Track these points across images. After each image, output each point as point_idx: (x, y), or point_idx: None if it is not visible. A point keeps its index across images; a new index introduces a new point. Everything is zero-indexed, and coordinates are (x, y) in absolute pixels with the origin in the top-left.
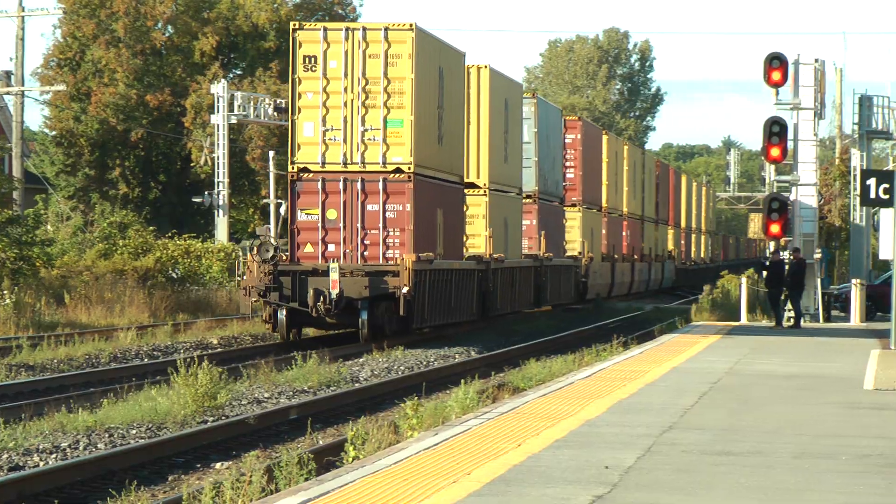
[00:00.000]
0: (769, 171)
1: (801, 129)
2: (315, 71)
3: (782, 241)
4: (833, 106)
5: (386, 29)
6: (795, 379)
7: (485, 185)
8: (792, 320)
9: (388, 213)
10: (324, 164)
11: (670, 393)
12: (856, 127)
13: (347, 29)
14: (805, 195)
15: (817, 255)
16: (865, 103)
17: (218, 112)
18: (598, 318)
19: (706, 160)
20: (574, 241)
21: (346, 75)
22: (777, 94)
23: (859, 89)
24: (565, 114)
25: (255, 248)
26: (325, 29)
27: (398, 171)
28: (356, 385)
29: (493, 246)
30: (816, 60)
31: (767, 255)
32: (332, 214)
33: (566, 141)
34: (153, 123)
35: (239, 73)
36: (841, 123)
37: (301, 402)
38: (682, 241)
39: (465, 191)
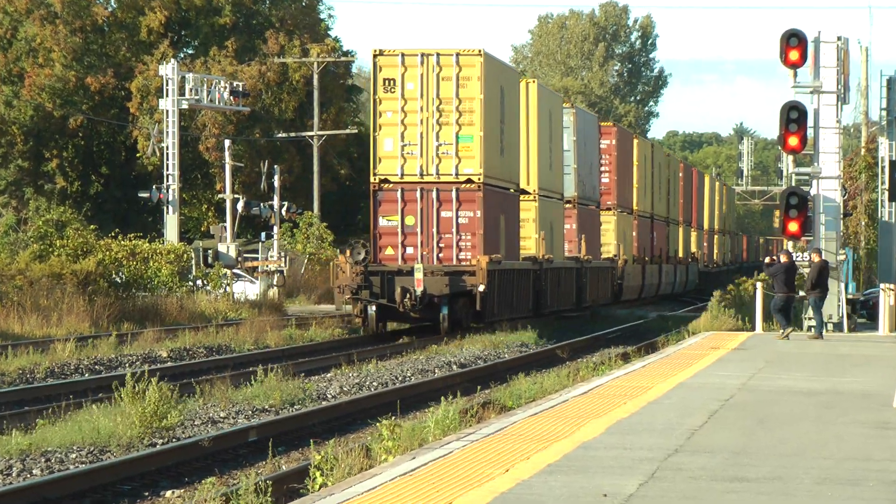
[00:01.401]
0: (787, 163)
1: (822, 116)
2: (394, 92)
3: (801, 241)
4: (858, 89)
5: (457, 54)
6: (817, 396)
7: (534, 191)
8: (813, 329)
9: (460, 220)
10: (402, 175)
11: (676, 411)
12: (884, 112)
13: (423, 54)
14: (827, 189)
15: (841, 257)
16: (894, 86)
17: (167, 96)
18: (594, 327)
19: (716, 150)
20: (609, 244)
21: (421, 96)
22: (795, 75)
23: (887, 70)
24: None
25: (348, 251)
26: (403, 55)
27: (469, 181)
28: (323, 403)
29: (543, 248)
30: (839, 38)
31: (776, 256)
32: (410, 221)
33: (601, 146)
34: (94, 109)
35: (191, 52)
36: (867, 109)
37: (262, 423)
38: (705, 243)
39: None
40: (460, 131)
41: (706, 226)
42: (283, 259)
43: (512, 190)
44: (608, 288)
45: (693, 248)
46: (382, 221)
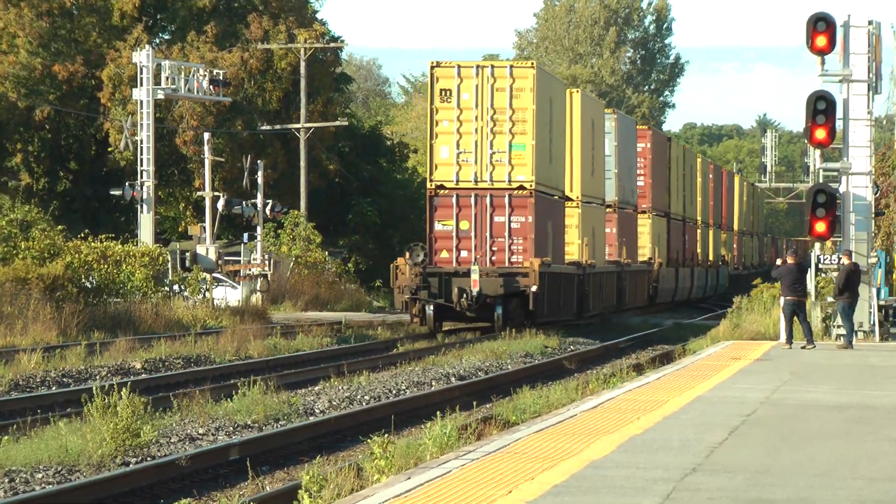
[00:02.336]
0: (814, 158)
1: (852, 106)
2: (450, 102)
3: (827, 242)
4: (891, 78)
5: (511, 66)
6: (847, 410)
7: (577, 197)
8: (842, 338)
9: (512, 224)
10: (457, 181)
11: (694, 427)
12: None
13: (478, 66)
14: (857, 186)
15: (872, 259)
16: None
17: (141, 86)
18: (605, 335)
19: (737, 144)
20: (645, 247)
21: (476, 106)
22: (823, 63)
23: None
24: (569, 83)
25: (407, 253)
26: (459, 66)
27: (521, 188)
28: (311, 418)
29: (586, 253)
30: (870, 22)
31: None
32: (464, 225)
33: (637, 149)
34: (62, 99)
35: (167, 37)
36: None
37: (244, 440)
38: (735, 245)
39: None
40: (513, 140)
41: (735, 227)
42: (267, 262)
43: (557, 197)
44: (644, 291)
45: (723, 251)
46: (438, 226)
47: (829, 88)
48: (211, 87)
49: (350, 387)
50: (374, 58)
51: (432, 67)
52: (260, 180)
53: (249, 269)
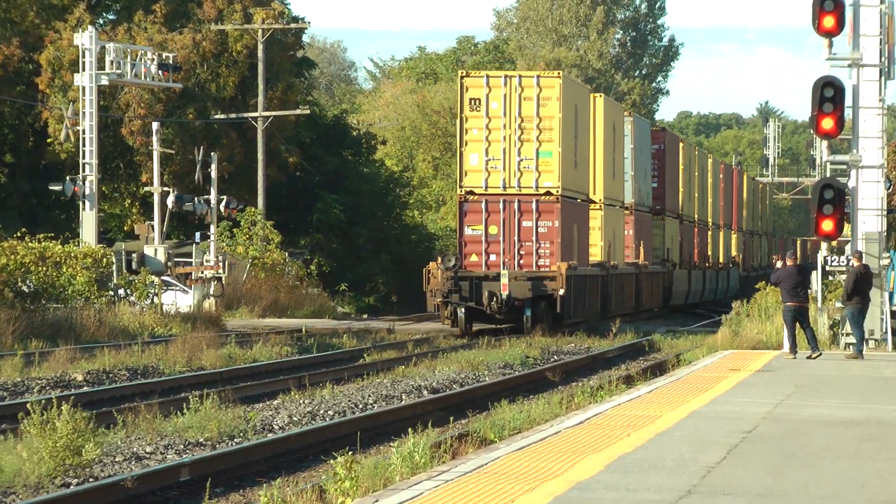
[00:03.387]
0: (820, 150)
1: (862, 93)
2: (479, 111)
3: (834, 242)
4: None
5: (538, 76)
6: (857, 426)
7: (600, 200)
8: (851, 347)
9: (539, 229)
10: (486, 188)
11: (689, 445)
12: None
13: (506, 76)
14: (869, 180)
15: (885, 261)
16: None
17: (83, 70)
18: (590, 344)
19: (736, 134)
20: (659, 249)
21: (504, 114)
22: (830, 46)
23: None
24: (548, 70)
25: (439, 258)
26: (488, 76)
27: (548, 193)
28: (269, 435)
29: (609, 255)
30: (883, 1)
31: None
32: (493, 230)
33: (651, 151)
34: None
35: (112, 17)
36: None
37: (195, 459)
38: (744, 246)
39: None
40: (540, 147)
41: (744, 227)
42: (221, 264)
43: (581, 200)
44: (660, 294)
45: (733, 252)
46: (468, 231)
47: (837, 74)
48: (160, 71)
49: (312, 401)
50: (339, 40)
51: (462, 77)
52: (213, 174)
53: (202, 272)
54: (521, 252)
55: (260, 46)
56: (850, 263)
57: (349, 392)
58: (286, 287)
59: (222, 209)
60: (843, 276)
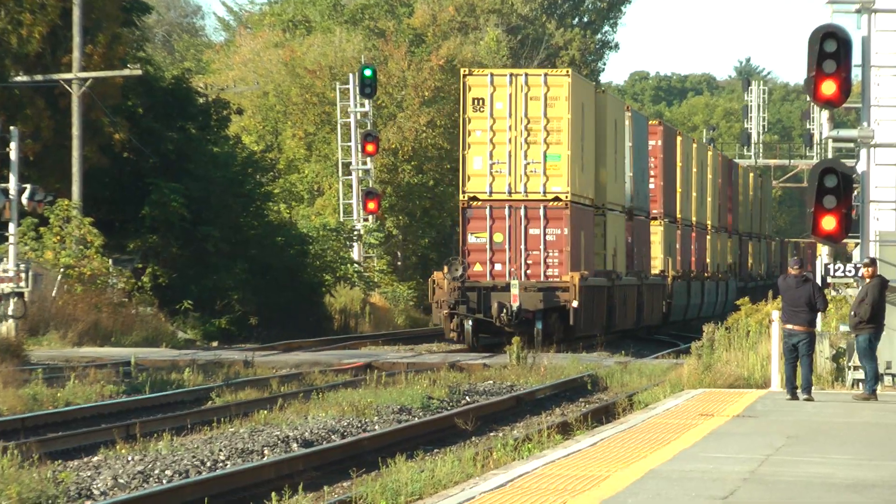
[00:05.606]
0: (819, 122)
1: (875, 48)
2: (483, 111)
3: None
4: None
5: (545, 75)
6: (868, 491)
7: (603, 205)
8: (860, 385)
9: (548, 237)
10: (491, 193)
11: None
12: None
13: (511, 75)
14: (884, 163)
15: None
16: None
17: None
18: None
19: (707, 102)
20: (657, 258)
21: (510, 115)
22: None
23: None
24: (462, 14)
25: (446, 267)
26: (492, 75)
27: (556, 199)
28: (88, 503)
29: (615, 263)
30: None
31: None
32: (498, 238)
33: (647, 148)
34: None
35: None
36: None
37: None
38: (739, 251)
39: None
40: (548, 150)
41: (741, 229)
42: (23, 275)
43: (589, 205)
44: (660, 308)
45: (729, 259)
46: (471, 238)
47: (841, 22)
48: None
49: (145, 457)
50: None
51: (464, 76)
52: (14, 156)
53: None
54: (529, 261)
55: None
56: (860, 274)
57: (193, 445)
58: (110, 305)
59: (25, 202)
60: (850, 292)
